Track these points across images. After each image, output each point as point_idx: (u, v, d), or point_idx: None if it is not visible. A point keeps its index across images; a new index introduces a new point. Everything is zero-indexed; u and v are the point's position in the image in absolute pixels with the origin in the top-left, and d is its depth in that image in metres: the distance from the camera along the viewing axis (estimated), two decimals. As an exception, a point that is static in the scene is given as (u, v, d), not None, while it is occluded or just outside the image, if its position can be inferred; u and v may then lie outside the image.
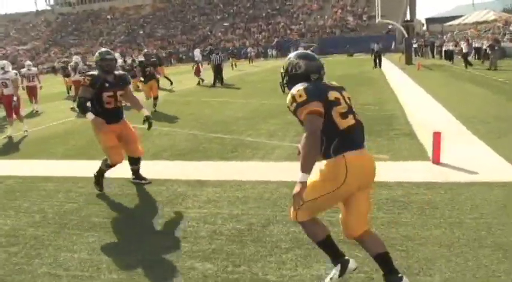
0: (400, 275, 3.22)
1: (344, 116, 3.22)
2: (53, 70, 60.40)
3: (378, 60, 29.22)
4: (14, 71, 13.75)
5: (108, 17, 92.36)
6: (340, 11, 71.55)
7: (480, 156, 6.87)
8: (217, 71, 23.52)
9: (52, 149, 9.73)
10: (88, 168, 7.06)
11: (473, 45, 31.85)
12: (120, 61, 18.32)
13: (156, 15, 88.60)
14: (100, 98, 5.96)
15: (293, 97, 3.24)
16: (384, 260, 3.30)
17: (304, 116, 3.14)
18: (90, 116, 5.83)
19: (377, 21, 39.78)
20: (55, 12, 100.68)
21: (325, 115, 3.14)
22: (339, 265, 3.46)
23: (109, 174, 6.42)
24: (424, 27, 75.02)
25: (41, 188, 6.73)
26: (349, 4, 72.61)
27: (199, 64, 25.81)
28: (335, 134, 3.16)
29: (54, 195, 6.35)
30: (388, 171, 6.25)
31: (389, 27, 57.22)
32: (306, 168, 3.04)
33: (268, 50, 62.50)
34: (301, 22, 71.28)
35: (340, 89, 3.40)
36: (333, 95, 3.25)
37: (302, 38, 65.06)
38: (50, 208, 5.79)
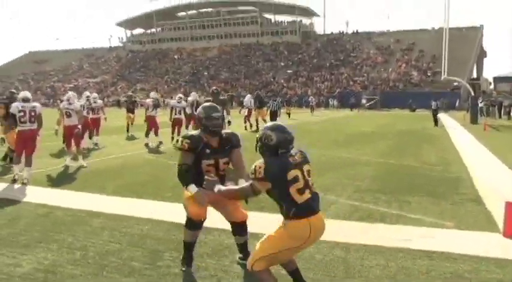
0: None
1: (301, 192, 3.77)
2: (118, 103, 62.39)
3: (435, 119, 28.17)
4: (80, 103, 14.00)
5: (175, 56, 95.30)
6: (404, 65, 70.98)
7: None
8: (273, 118, 23.11)
9: (104, 184, 9.66)
10: (136, 207, 6.89)
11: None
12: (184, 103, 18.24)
13: (222, 58, 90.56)
14: (198, 166, 4.82)
15: (254, 169, 3.80)
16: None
17: (253, 183, 3.86)
18: (192, 189, 4.69)
19: (442, 77, 38.99)
20: (126, 49, 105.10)
21: (284, 190, 3.76)
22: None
23: (157, 216, 6.21)
24: (492, 86, 73.14)
25: (87, 224, 6.60)
26: (414, 59, 72.07)
27: (250, 109, 25.15)
28: (293, 206, 3.73)
29: (99, 232, 6.18)
30: (453, 240, 5.77)
31: (455, 84, 56.11)
32: (223, 193, 4.24)
33: (330, 100, 62.42)
34: (365, 74, 71.07)
35: (301, 165, 3.89)
36: (292, 174, 3.77)
37: (364, 90, 64.74)
38: (93, 246, 5.61)
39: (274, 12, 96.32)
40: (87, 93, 17.66)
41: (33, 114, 10.34)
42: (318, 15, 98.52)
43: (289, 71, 77.84)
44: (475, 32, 76.62)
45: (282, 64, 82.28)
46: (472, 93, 35.01)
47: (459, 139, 19.50)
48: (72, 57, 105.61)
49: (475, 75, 76.58)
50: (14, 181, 9.86)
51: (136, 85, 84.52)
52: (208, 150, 4.82)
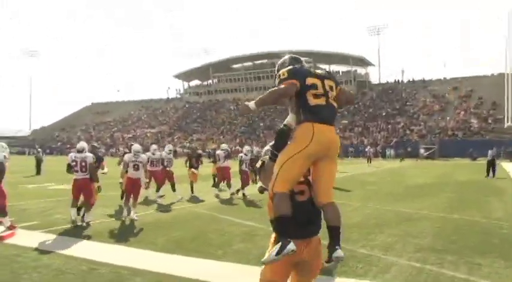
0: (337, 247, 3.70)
1: (316, 96, 3.80)
2: (174, 154, 63.00)
3: (492, 168, 26.50)
4: (146, 155, 13.83)
5: (231, 107, 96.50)
6: (463, 112, 69.23)
7: None
8: None
9: (153, 238, 9.35)
10: (182, 265, 6.51)
11: None
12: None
13: (277, 109, 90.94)
14: None
15: (279, 74, 3.98)
16: (334, 233, 3.80)
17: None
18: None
19: (506, 125, 37.62)
20: (183, 100, 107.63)
21: (300, 94, 3.80)
22: (280, 244, 3.52)
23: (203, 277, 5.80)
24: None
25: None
26: (473, 106, 70.22)
27: None
28: (305, 108, 3.78)
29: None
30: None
31: (518, 132, 54.12)
32: (257, 102, 3.90)
33: (387, 150, 61.33)
34: (422, 123, 69.70)
35: (322, 77, 3.92)
36: (310, 80, 3.82)
37: (422, 138, 63.36)
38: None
39: (329, 62, 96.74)
40: (154, 146, 17.06)
41: (83, 164, 10.81)
42: (373, 65, 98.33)
43: (344, 121, 77.23)
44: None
45: (338, 114, 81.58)
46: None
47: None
48: (131, 108, 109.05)
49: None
50: (73, 222, 10.53)
51: (192, 135, 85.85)
52: None
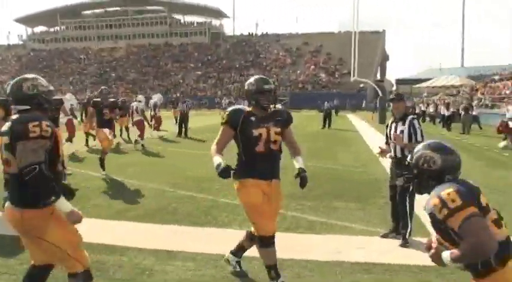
0: None
1: (498, 224, 2.63)
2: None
3: (328, 120, 27.66)
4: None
5: (81, 56, 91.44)
6: (313, 67, 72.31)
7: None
8: (183, 121, 21.61)
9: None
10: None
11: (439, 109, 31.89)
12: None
13: (130, 59, 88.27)
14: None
15: (443, 200, 2.57)
16: None
17: (462, 221, 2.49)
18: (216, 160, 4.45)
19: (352, 79, 39.95)
20: (27, 48, 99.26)
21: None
22: None
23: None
24: (394, 88, 76.20)
25: None
26: (322, 61, 73.57)
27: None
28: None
29: None
30: (388, 250, 5.47)
31: (361, 85, 57.81)
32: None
33: (241, 102, 62.36)
34: (274, 75, 71.63)
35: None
36: (484, 200, 2.66)
37: (274, 91, 65.30)
38: None
39: (184, 12, 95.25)
40: None
41: None
42: (228, 17, 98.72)
43: (198, 72, 77.15)
44: (378, 36, 79.66)
45: (192, 65, 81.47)
46: (381, 94, 35.78)
47: (372, 140, 19.68)
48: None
49: (379, 77, 79.41)
50: None
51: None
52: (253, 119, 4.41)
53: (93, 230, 6.17)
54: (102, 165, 10.56)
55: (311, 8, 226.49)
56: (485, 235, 2.43)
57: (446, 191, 2.56)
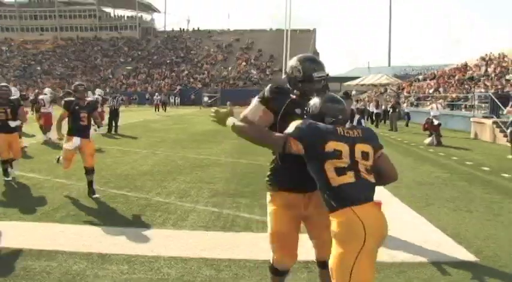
0: None
1: (340, 172, 2.92)
2: None
3: None
4: None
5: (3, 48, 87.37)
6: (244, 63, 72.51)
7: (412, 226, 6.42)
8: (113, 116, 20.94)
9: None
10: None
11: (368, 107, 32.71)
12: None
13: (57, 53, 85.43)
14: None
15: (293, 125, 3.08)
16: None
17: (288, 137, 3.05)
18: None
19: (284, 76, 40.26)
20: None
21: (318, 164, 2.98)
22: None
23: None
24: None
25: None
26: (253, 58, 73.90)
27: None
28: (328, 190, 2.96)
29: None
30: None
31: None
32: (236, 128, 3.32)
33: (171, 98, 61.51)
34: (205, 71, 71.39)
35: (353, 140, 3.01)
36: (332, 145, 2.94)
37: (206, 87, 65.02)
38: None
39: (114, 6, 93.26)
40: None
41: None
42: (159, 12, 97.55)
43: (128, 68, 75.68)
44: (309, 34, 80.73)
45: (122, 60, 79.93)
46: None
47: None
48: None
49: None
50: None
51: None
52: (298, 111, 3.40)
53: (17, 234, 5.87)
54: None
55: (243, 5, 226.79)
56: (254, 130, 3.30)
57: (297, 122, 3.07)
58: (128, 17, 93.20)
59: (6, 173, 9.40)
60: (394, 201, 7.95)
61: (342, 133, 3.00)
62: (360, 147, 2.99)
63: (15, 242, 5.47)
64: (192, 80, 69.66)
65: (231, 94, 60.54)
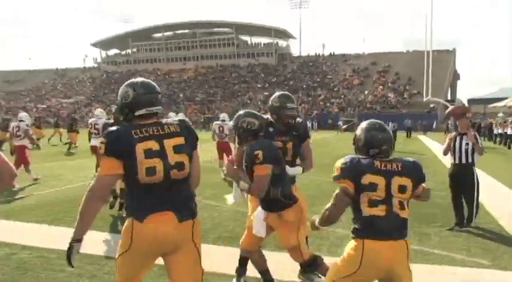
0: None
1: (372, 204, 3.10)
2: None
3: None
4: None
5: (152, 78, 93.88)
6: (381, 87, 71.18)
7: None
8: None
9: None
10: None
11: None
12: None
13: (198, 80, 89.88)
14: None
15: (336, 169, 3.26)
16: None
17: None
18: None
19: (425, 99, 38.88)
20: (101, 70, 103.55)
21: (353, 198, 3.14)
22: None
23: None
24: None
25: (59, 268, 5.51)
26: (391, 81, 72.34)
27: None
28: (357, 219, 3.17)
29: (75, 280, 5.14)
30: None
31: (432, 105, 56.24)
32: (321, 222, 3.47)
33: (308, 122, 61.86)
34: (342, 96, 71.03)
35: (390, 174, 3.12)
36: (369, 178, 3.10)
37: (342, 111, 64.60)
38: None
39: (251, 34, 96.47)
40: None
41: None
42: (294, 38, 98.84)
43: (266, 93, 77.48)
44: (449, 55, 77.73)
45: (259, 86, 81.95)
46: (455, 115, 34.36)
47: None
48: (45, 77, 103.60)
49: (449, 97, 77.19)
50: None
51: (111, 106, 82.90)
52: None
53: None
54: None
55: (379, 29, 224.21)
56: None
57: (341, 160, 3.26)
58: (264, 44, 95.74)
59: None
60: None
61: (380, 167, 3.14)
62: (397, 181, 3.11)
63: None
64: (328, 104, 69.58)
65: (368, 118, 59.48)
